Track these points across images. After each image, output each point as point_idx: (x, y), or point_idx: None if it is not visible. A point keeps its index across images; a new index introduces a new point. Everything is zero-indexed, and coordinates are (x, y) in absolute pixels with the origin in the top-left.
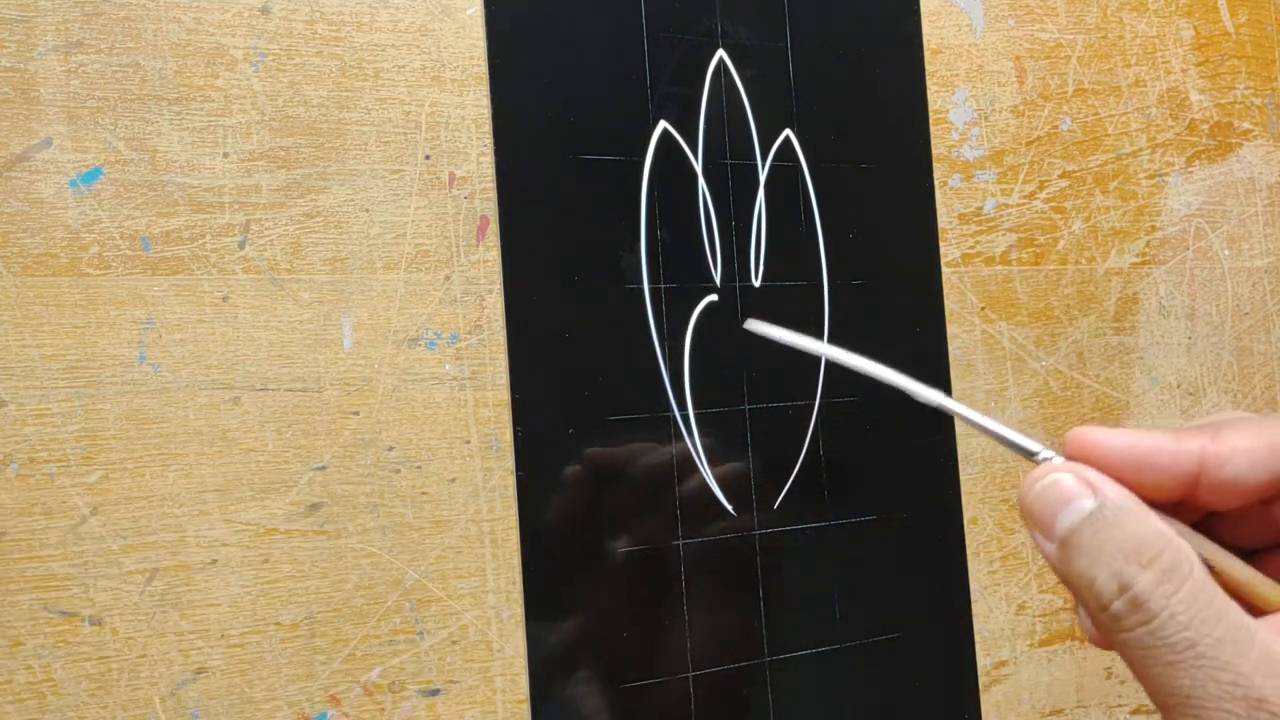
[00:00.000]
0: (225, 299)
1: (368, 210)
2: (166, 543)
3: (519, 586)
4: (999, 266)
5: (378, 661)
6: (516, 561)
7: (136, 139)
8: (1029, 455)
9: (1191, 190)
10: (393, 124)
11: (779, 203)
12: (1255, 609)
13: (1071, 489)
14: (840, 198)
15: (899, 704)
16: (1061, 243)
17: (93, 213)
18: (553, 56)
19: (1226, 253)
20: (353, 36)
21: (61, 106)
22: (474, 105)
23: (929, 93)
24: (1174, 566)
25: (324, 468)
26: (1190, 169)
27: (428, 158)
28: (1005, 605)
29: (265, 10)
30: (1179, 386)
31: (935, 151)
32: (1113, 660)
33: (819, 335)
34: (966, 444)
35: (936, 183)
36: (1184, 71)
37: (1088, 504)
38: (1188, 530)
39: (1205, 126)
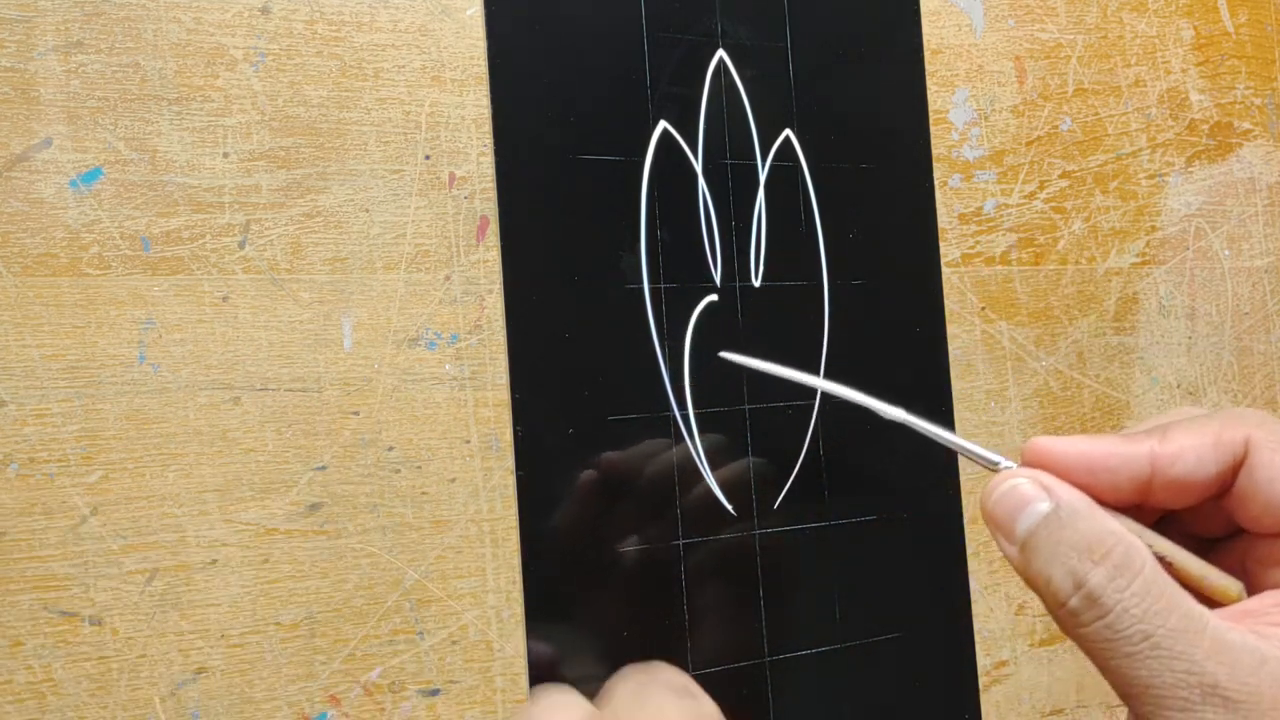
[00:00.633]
0: (225, 299)
1: (368, 210)
2: (166, 543)
3: (519, 586)
4: (999, 266)
5: (378, 661)
6: (516, 561)
7: (136, 139)
8: (990, 466)
9: (1191, 190)
10: (393, 124)
11: (779, 203)
12: (1211, 602)
13: (1028, 493)
14: (840, 198)
15: (899, 704)
16: (1061, 243)
17: (93, 213)
18: (553, 56)
19: (1226, 253)
20: (353, 36)
21: (61, 106)
22: (474, 105)
23: (929, 93)
24: (1125, 562)
25: (324, 468)
26: (1190, 169)
27: (428, 158)
28: (1005, 605)
29: (265, 10)
30: (1179, 386)
31: (935, 151)
32: None
33: (819, 335)
34: None
35: (936, 183)
36: (1184, 71)
37: (1043, 506)
38: (1142, 529)
39: (1205, 126)
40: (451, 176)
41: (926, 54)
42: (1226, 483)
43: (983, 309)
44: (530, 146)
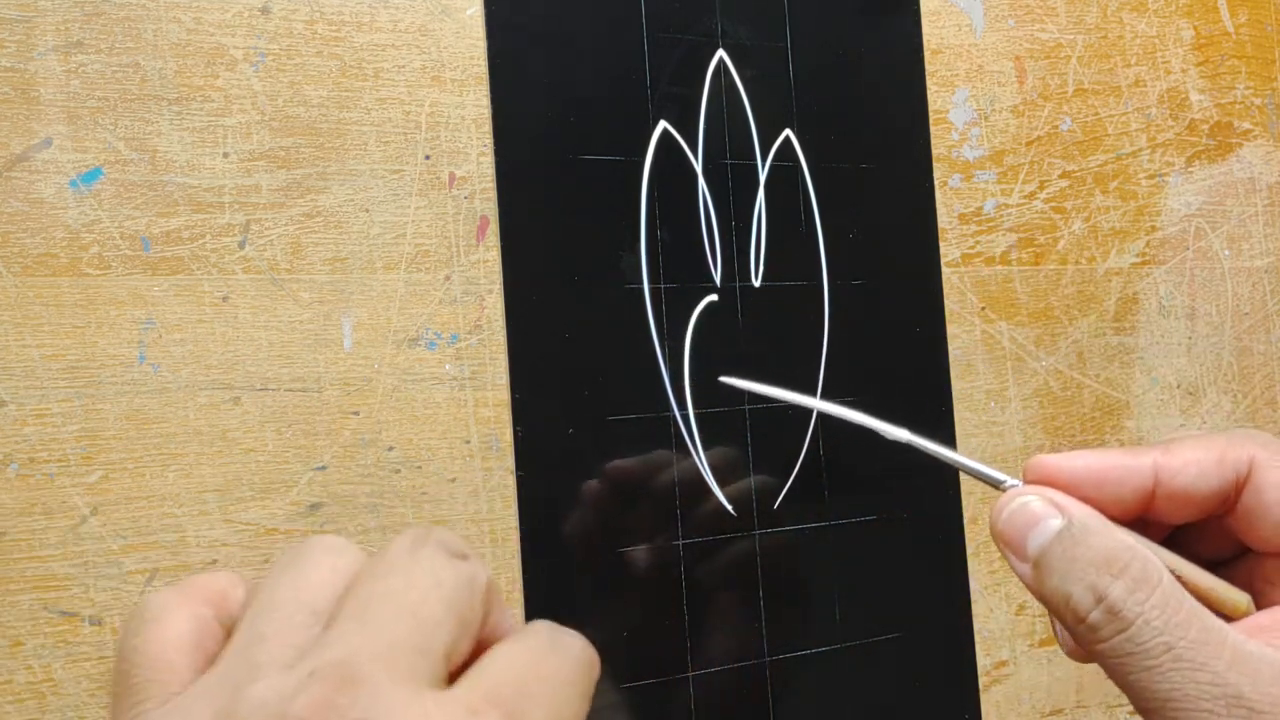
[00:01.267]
0: (225, 299)
1: (368, 210)
2: (166, 543)
3: (519, 586)
4: (999, 266)
5: None
6: (516, 561)
7: (136, 139)
8: (996, 484)
9: (1191, 190)
10: (393, 124)
11: (779, 203)
12: (1222, 615)
13: (1039, 510)
14: (840, 198)
15: (899, 704)
16: (1061, 243)
17: (93, 213)
18: (553, 56)
19: (1226, 253)
20: (353, 36)
21: (61, 106)
22: (474, 105)
23: (929, 93)
24: (1144, 575)
25: (324, 468)
26: (1190, 169)
27: (428, 158)
28: (1005, 605)
29: (265, 10)
30: (1179, 386)
31: (935, 151)
32: None
33: (819, 335)
34: (966, 444)
35: (936, 183)
36: (1184, 71)
37: (1055, 523)
38: (1150, 543)
39: (1205, 126)
40: (451, 176)
41: (926, 54)
42: (1230, 500)
43: (983, 309)
44: (530, 146)
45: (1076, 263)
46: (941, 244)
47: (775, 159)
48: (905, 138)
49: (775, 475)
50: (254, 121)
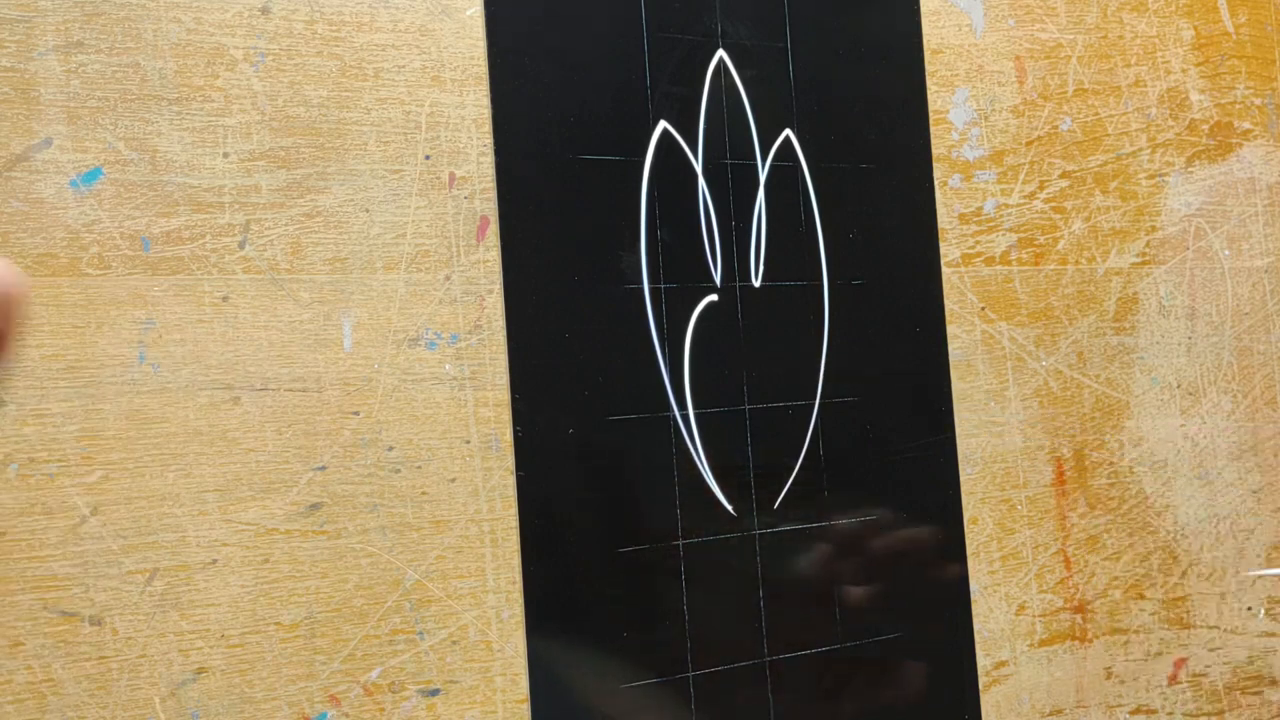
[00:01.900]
0: (225, 299)
1: (368, 210)
2: (166, 543)
3: (519, 586)
4: (999, 266)
5: (378, 661)
6: (516, 561)
7: (136, 139)
8: None
9: (1191, 190)
10: (393, 124)
11: (779, 203)
12: None
13: None
14: (840, 198)
15: (899, 704)
16: (1061, 243)
17: (93, 213)
18: (553, 56)
19: (1226, 253)
20: (353, 36)
21: (61, 106)
22: (474, 105)
23: (929, 93)
24: None
25: (324, 468)
26: (1190, 169)
27: (428, 158)
28: (1005, 605)
29: (265, 10)
30: (1179, 386)
31: (935, 151)
32: (1112, 660)
33: (819, 335)
34: (966, 444)
35: (936, 183)
36: (1184, 71)
37: None
38: None
39: (1205, 126)
40: (451, 176)
41: (926, 54)
42: None
43: (983, 309)
44: (530, 146)
45: (1076, 263)
46: (941, 244)
47: (775, 159)
48: (905, 137)
49: (775, 475)
50: (254, 121)
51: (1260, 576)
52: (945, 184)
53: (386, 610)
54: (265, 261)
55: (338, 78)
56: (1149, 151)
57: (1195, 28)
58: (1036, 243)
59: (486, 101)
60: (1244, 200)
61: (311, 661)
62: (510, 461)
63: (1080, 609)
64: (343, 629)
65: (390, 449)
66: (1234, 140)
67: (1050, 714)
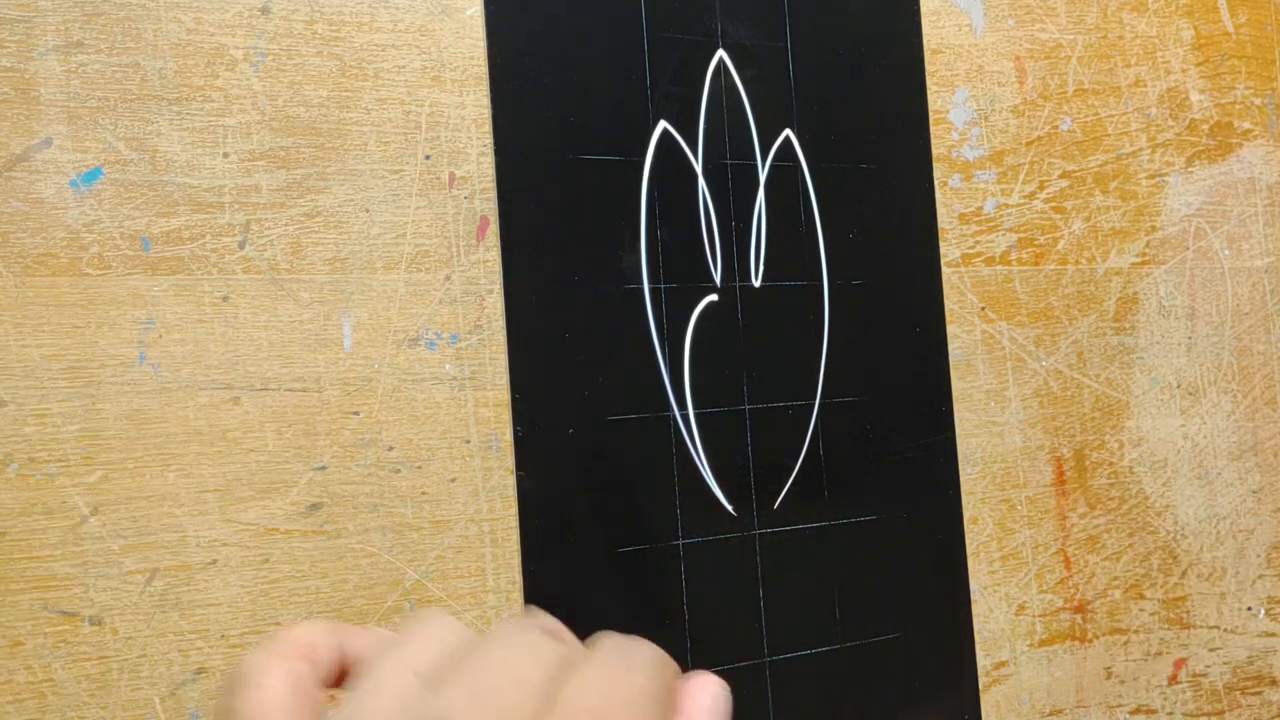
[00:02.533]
0: (225, 299)
1: (368, 210)
2: (166, 543)
3: (519, 586)
4: (999, 266)
5: None
6: (516, 561)
7: (136, 139)
8: None
9: (1191, 190)
10: (393, 124)
11: (779, 203)
12: None
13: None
14: (840, 198)
15: (899, 704)
16: (1061, 243)
17: (93, 213)
18: (553, 56)
19: (1226, 253)
20: (353, 36)
21: (61, 106)
22: (474, 105)
23: (929, 93)
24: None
25: (324, 468)
26: (1190, 169)
27: (428, 158)
28: (1005, 605)
29: (265, 10)
30: (1179, 386)
31: (935, 151)
32: (1112, 660)
33: (819, 335)
34: (966, 444)
35: (936, 183)
36: (1184, 71)
37: None
38: None
39: (1205, 126)
40: (451, 176)
41: (926, 54)
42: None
43: (983, 309)
44: (530, 146)
45: (1076, 263)
46: (941, 244)
47: (775, 159)
48: (905, 137)
49: (775, 475)
50: (254, 121)
51: None
52: (945, 184)
53: (387, 610)
54: (265, 261)
55: (338, 78)
56: (1149, 151)
57: (1195, 28)
58: (1036, 243)
59: (486, 101)
60: (1244, 200)
61: None
62: (510, 461)
63: (1080, 609)
64: None
65: (390, 449)
66: (1234, 140)
67: (1050, 714)
